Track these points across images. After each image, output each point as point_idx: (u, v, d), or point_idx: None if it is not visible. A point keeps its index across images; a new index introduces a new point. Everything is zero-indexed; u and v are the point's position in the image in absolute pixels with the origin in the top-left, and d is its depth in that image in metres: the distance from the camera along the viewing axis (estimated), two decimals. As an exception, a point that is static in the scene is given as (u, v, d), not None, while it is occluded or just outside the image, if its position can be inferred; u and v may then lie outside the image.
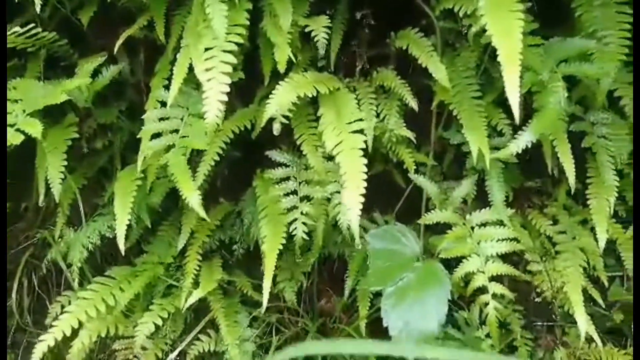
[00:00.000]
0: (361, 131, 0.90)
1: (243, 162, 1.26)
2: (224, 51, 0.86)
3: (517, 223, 1.17)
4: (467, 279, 0.93)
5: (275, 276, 1.13)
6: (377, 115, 1.09)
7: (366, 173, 1.18)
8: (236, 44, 0.88)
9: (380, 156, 1.18)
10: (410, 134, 1.06)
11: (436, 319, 0.85)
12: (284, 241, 0.95)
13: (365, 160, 0.84)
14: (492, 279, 0.92)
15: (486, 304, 0.89)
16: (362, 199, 0.82)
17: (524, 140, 0.86)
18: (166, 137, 0.93)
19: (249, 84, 1.10)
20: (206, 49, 0.87)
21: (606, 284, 1.17)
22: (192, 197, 0.88)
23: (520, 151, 0.88)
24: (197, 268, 1.07)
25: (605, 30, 0.91)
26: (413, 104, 1.05)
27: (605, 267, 1.25)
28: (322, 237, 1.04)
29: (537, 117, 0.86)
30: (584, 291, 1.17)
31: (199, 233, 1.11)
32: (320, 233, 1.02)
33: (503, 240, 0.94)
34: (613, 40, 0.90)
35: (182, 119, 0.94)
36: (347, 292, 1.08)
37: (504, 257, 1.07)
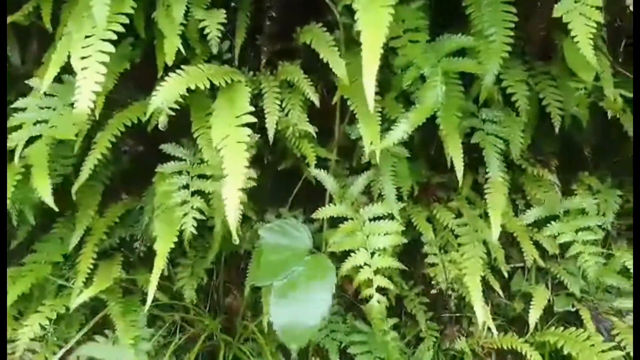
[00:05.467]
0: (249, 125, 0.89)
1: (150, 156, 1.22)
2: (103, 40, 0.83)
3: (422, 217, 1.20)
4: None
5: (175, 273, 1.11)
6: (282, 110, 1.09)
7: (275, 167, 1.20)
8: (117, 33, 0.85)
9: (290, 151, 1.18)
10: (311, 129, 1.06)
11: (319, 313, 0.86)
12: (175, 238, 0.92)
13: (248, 155, 0.83)
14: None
15: (370, 297, 0.90)
16: (241, 193, 0.81)
17: (399, 132, 0.87)
18: (34, 127, 0.89)
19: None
20: (86, 37, 0.84)
21: (506, 275, 1.22)
22: (44, 192, 0.85)
23: (395, 143, 0.89)
24: (92, 267, 1.03)
25: (491, 29, 0.94)
26: (314, 99, 1.04)
27: (511, 258, 1.31)
28: (222, 232, 1.02)
29: (414, 110, 0.88)
30: (487, 282, 1.21)
31: (95, 230, 1.07)
32: (219, 228, 1.00)
33: (390, 233, 0.95)
34: (497, 38, 0.94)
35: (54, 109, 0.90)
36: (247, 288, 1.07)
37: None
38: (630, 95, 1.02)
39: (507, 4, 0.95)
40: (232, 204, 0.79)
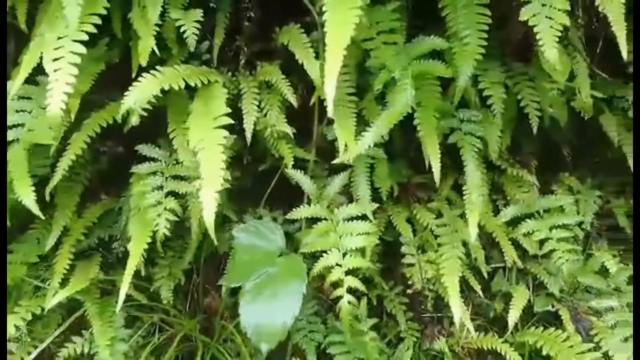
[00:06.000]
0: (225, 127, 0.89)
1: (130, 156, 1.22)
2: (75, 41, 0.82)
3: (402, 217, 1.21)
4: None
5: (154, 274, 1.11)
6: (260, 110, 1.09)
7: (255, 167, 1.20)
8: (93, 34, 0.85)
9: (269, 151, 1.18)
10: (289, 129, 1.06)
11: (289, 313, 0.86)
12: (149, 239, 0.92)
13: (224, 157, 0.84)
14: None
15: (340, 297, 0.90)
16: (217, 196, 0.82)
17: (370, 138, 0.87)
18: (11, 131, 0.89)
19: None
20: (58, 38, 0.84)
21: (487, 275, 1.22)
22: (27, 196, 0.85)
23: (366, 149, 0.89)
24: (68, 267, 1.03)
25: (465, 31, 0.94)
26: (292, 99, 1.05)
27: (492, 259, 1.32)
28: (199, 232, 1.02)
29: (385, 114, 0.88)
30: (467, 282, 1.22)
31: (72, 231, 1.07)
32: (195, 229, 1.00)
33: (362, 234, 0.96)
34: (472, 40, 0.94)
35: (30, 112, 0.90)
36: (224, 289, 1.07)
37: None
38: (605, 95, 1.02)
39: (482, 6, 0.95)
40: (209, 206, 0.79)
